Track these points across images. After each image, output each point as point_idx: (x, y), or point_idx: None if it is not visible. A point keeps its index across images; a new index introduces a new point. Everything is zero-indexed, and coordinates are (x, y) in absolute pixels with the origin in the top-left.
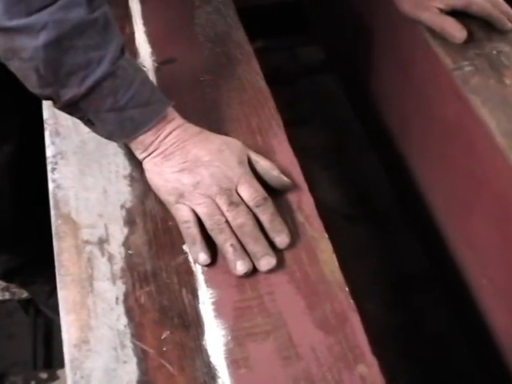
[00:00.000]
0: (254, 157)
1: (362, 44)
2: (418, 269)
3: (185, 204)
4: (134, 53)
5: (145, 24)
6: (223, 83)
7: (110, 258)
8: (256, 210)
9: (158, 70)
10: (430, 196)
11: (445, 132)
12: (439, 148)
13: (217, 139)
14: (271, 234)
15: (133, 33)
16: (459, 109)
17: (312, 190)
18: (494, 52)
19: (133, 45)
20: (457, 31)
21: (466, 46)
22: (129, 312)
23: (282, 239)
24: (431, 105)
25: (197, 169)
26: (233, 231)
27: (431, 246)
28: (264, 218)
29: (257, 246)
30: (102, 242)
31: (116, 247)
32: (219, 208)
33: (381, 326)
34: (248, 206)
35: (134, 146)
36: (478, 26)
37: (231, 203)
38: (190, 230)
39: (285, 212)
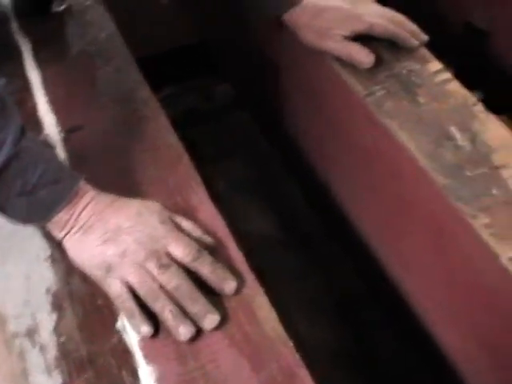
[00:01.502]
0: (175, 218)
1: (271, 79)
2: (358, 291)
3: (115, 277)
4: (39, 124)
5: (46, 93)
6: (135, 145)
7: (42, 349)
8: (193, 265)
9: (65, 140)
10: (361, 222)
11: (366, 159)
12: (363, 175)
13: (134, 203)
14: (217, 285)
15: (34, 104)
16: (377, 135)
17: (243, 221)
18: (404, 71)
19: (36, 116)
20: (364, 56)
21: (375, 69)
22: None
23: (229, 286)
24: (349, 133)
25: (120, 237)
26: (169, 295)
27: (369, 270)
28: (204, 271)
29: (196, 306)
30: (31, 333)
31: (47, 336)
32: (151, 273)
33: (328, 349)
34: (180, 265)
35: (50, 226)
36: (385, 47)
37: (161, 266)
38: (126, 304)
39: None
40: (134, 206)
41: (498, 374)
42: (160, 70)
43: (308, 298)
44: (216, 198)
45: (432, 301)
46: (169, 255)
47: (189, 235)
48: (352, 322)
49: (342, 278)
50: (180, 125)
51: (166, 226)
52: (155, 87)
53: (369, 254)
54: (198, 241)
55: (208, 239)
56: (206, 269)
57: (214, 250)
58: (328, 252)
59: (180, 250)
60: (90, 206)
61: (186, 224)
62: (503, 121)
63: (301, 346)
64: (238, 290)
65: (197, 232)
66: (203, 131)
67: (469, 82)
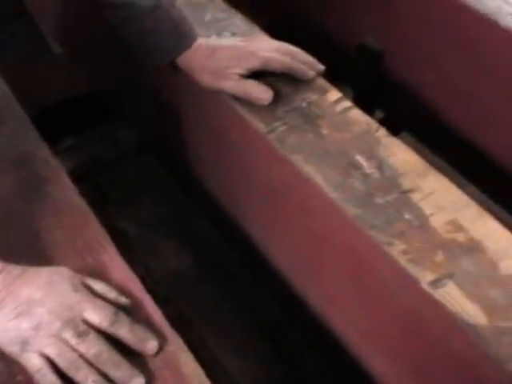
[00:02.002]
0: (87, 282)
1: (172, 123)
2: (284, 323)
3: (32, 351)
4: None
5: None
6: (39, 209)
7: None
8: (111, 330)
9: None
10: (279, 258)
11: (276, 196)
12: (275, 212)
13: (44, 272)
14: (137, 346)
15: None
16: (283, 171)
17: (160, 259)
18: (304, 104)
19: None
20: (261, 93)
21: (275, 105)
22: None
23: (150, 346)
24: (256, 171)
25: (33, 309)
26: (90, 363)
27: (292, 303)
28: (123, 334)
29: (120, 372)
30: None
31: None
32: (68, 343)
33: (257, 379)
34: (99, 331)
35: None
36: (283, 81)
37: (79, 334)
38: (46, 378)
39: None
40: (44, 275)
41: None
42: (60, 121)
43: (233, 333)
44: (130, 242)
45: (357, 330)
46: (86, 322)
47: (103, 298)
48: (280, 352)
49: (266, 311)
50: (87, 173)
51: (79, 291)
52: (57, 139)
53: (291, 287)
54: (113, 302)
55: (123, 299)
56: (125, 332)
57: (132, 310)
58: (249, 286)
59: (96, 316)
60: None
61: (100, 286)
62: (404, 138)
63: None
64: (161, 348)
65: (111, 293)
66: (111, 178)
67: (369, 103)
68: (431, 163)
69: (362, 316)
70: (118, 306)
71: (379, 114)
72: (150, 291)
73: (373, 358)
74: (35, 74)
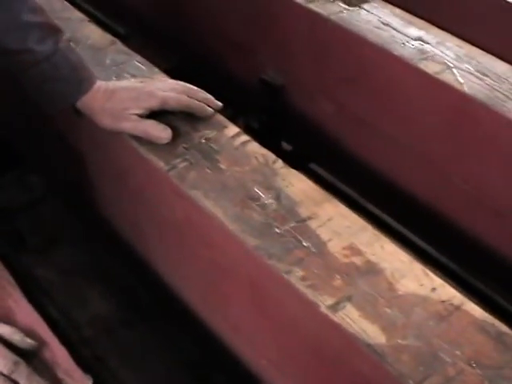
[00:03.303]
0: None
1: (77, 166)
2: (200, 359)
3: None
4: None
5: None
6: None
7: None
8: (12, 378)
9: None
10: (187, 292)
11: (179, 231)
12: (179, 247)
13: None
14: None
15: None
16: (185, 207)
17: (81, 307)
18: (203, 140)
19: None
20: (160, 132)
21: (174, 143)
22: None
23: None
24: (159, 209)
25: None
26: None
27: (205, 337)
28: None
29: None
30: None
31: None
32: None
33: None
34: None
35: None
36: (182, 119)
37: None
38: None
39: (43, 372)
40: None
41: None
42: None
43: (157, 373)
44: (49, 287)
45: (266, 358)
46: None
47: (7, 341)
48: None
49: (187, 350)
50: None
51: None
52: None
53: (202, 321)
54: (18, 346)
55: (28, 341)
56: (23, 382)
57: (37, 351)
58: (169, 326)
59: None
60: None
61: (5, 329)
62: (313, 169)
63: None
64: None
65: (16, 335)
66: (26, 221)
67: (274, 136)
68: (339, 192)
69: (268, 343)
70: (24, 348)
71: (287, 146)
72: (74, 344)
73: None
74: None
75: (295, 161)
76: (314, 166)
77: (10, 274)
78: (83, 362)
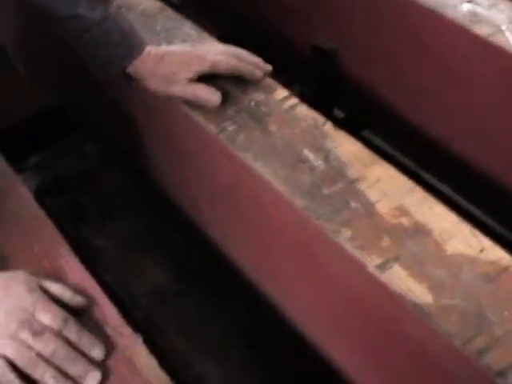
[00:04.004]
0: (44, 284)
1: (130, 132)
2: (254, 325)
3: None
4: None
5: None
6: None
7: None
8: (62, 334)
9: None
10: (238, 257)
11: (230, 194)
12: (231, 210)
13: (0, 276)
14: (85, 352)
15: None
16: (236, 169)
17: (138, 277)
18: (253, 103)
19: None
20: (211, 95)
21: (224, 106)
22: None
23: (95, 354)
24: (210, 172)
25: None
26: (48, 361)
27: (257, 303)
28: (72, 340)
29: (76, 367)
30: None
31: None
32: (25, 343)
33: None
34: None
35: None
36: (231, 83)
37: (35, 333)
38: (6, 377)
39: (92, 329)
40: (0, 279)
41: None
42: (23, 139)
43: (210, 342)
44: (105, 257)
45: (317, 320)
46: (41, 322)
47: (59, 299)
48: (259, 357)
49: (239, 316)
50: (55, 191)
51: (34, 294)
52: (23, 157)
53: (253, 286)
54: (69, 303)
55: (79, 299)
56: (72, 338)
57: (87, 309)
58: (222, 293)
59: (47, 320)
60: None
61: (55, 287)
62: (366, 136)
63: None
64: (116, 345)
65: (67, 293)
66: (83, 191)
67: (327, 104)
68: (392, 159)
69: (318, 305)
70: (74, 306)
71: (340, 113)
72: (128, 311)
73: (333, 347)
74: None
75: (348, 128)
76: (366, 133)
77: (68, 243)
78: (136, 325)
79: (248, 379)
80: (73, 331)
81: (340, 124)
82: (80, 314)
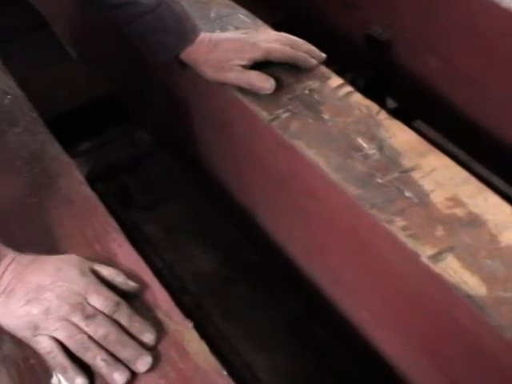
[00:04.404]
0: (96, 267)
1: (182, 119)
2: (301, 313)
3: (42, 334)
4: None
5: None
6: (49, 202)
7: None
8: (113, 318)
9: None
10: (289, 245)
11: (282, 182)
12: (282, 198)
13: (53, 260)
14: (136, 337)
15: None
16: (288, 157)
17: (185, 261)
18: (306, 91)
19: None
20: (264, 82)
21: (277, 94)
22: None
23: (147, 339)
24: (262, 159)
25: (42, 295)
26: (99, 344)
27: (306, 290)
28: (123, 324)
29: (127, 351)
30: None
31: None
32: (77, 326)
33: (289, 372)
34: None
35: None
36: (285, 70)
37: (87, 317)
38: (57, 359)
39: (143, 313)
40: (53, 262)
41: (441, 378)
42: (75, 126)
43: (258, 330)
44: (154, 243)
45: (366, 310)
46: (93, 306)
47: (110, 283)
48: (304, 346)
49: (288, 302)
50: (106, 177)
51: (86, 278)
52: (73, 143)
53: (303, 274)
54: (121, 287)
55: (130, 283)
56: (124, 322)
57: (139, 294)
58: (270, 281)
59: (98, 303)
60: (10, 269)
61: (108, 271)
62: (418, 125)
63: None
64: (167, 329)
65: (119, 277)
66: (133, 178)
67: (379, 93)
68: (444, 149)
69: (368, 295)
70: (126, 290)
71: (392, 103)
72: (177, 296)
73: (383, 338)
74: (52, 81)
75: (400, 118)
76: (419, 124)
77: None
78: (185, 310)
79: (295, 367)
80: (124, 315)
81: (392, 114)
82: (131, 298)
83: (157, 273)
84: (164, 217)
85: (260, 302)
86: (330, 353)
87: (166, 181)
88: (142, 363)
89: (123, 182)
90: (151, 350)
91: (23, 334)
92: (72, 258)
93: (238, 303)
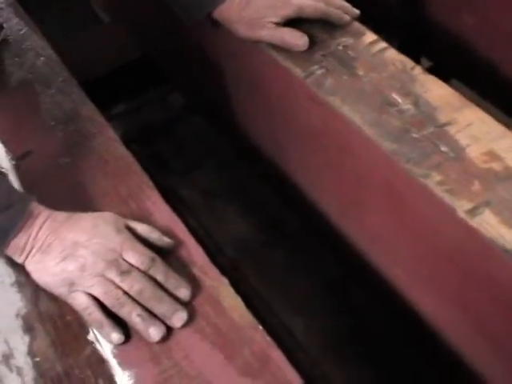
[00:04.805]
0: (131, 224)
1: (215, 79)
2: (339, 275)
3: (78, 291)
4: None
5: None
6: (83, 161)
7: (19, 372)
8: (148, 274)
9: (17, 167)
10: (325, 204)
11: (317, 139)
12: (317, 155)
13: (88, 217)
14: (171, 292)
15: None
16: (323, 114)
17: (221, 226)
18: (340, 48)
19: None
20: (298, 39)
21: (311, 50)
22: None
23: (182, 294)
24: (296, 117)
25: (78, 252)
26: (134, 300)
27: (343, 251)
28: (158, 279)
29: (163, 306)
30: (6, 358)
31: (22, 359)
32: (113, 282)
33: (327, 333)
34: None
35: (10, 251)
36: (319, 27)
37: (122, 273)
38: (93, 315)
39: (179, 269)
40: (88, 219)
41: (477, 334)
42: (108, 89)
43: (295, 290)
44: (190, 207)
45: (401, 267)
46: (128, 262)
47: (146, 239)
48: (341, 307)
49: (324, 265)
50: (140, 140)
51: (122, 234)
52: (106, 107)
53: (338, 234)
54: (156, 243)
55: (166, 239)
56: (159, 278)
57: (174, 250)
58: (307, 242)
59: (134, 259)
60: (45, 226)
61: (143, 228)
62: (454, 85)
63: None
64: (202, 284)
65: (154, 234)
66: (166, 142)
67: (414, 52)
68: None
69: (403, 251)
70: (161, 246)
71: (426, 63)
72: (212, 257)
73: (418, 295)
74: (86, 44)
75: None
76: (455, 83)
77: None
78: (220, 271)
79: (332, 329)
80: (160, 271)
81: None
82: (167, 255)
83: (192, 235)
84: (199, 181)
85: (297, 265)
86: (367, 313)
87: (200, 145)
88: (178, 318)
89: (158, 147)
90: (186, 305)
91: (59, 290)
92: (107, 215)
93: (275, 267)
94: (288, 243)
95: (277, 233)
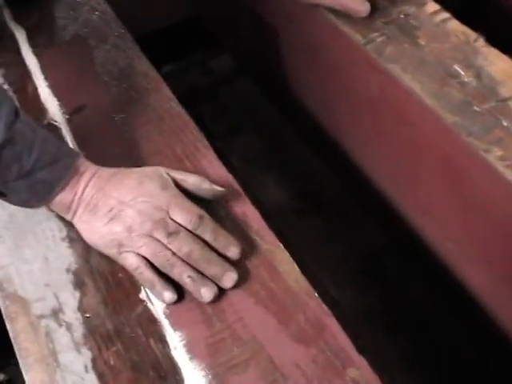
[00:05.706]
0: (180, 176)
1: (269, 42)
2: (380, 246)
3: (128, 251)
4: (42, 110)
5: (46, 78)
6: (138, 118)
7: (69, 327)
8: (196, 233)
9: (69, 122)
10: (376, 173)
11: (373, 107)
12: (372, 124)
13: (133, 174)
14: (220, 251)
15: (36, 89)
16: (381, 81)
17: (259, 192)
18: (402, 16)
19: (39, 102)
20: (359, 5)
21: (372, 17)
22: (101, 377)
23: (231, 253)
24: (353, 84)
25: (124, 212)
26: (184, 261)
27: (389, 222)
28: (207, 238)
29: (213, 268)
30: (56, 313)
31: (72, 314)
32: (161, 242)
33: (361, 308)
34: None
35: (57, 208)
36: None
37: (169, 234)
38: (144, 275)
39: (234, 230)
40: (133, 176)
41: None
42: (156, 48)
43: (332, 260)
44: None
45: (453, 240)
46: (175, 221)
47: (196, 192)
48: (379, 278)
49: (365, 236)
50: (184, 102)
51: (168, 191)
52: (157, 65)
53: (387, 205)
54: (207, 194)
55: (218, 188)
56: (208, 236)
57: (230, 212)
58: (348, 212)
59: (181, 217)
60: (91, 184)
61: (194, 179)
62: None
63: (331, 306)
64: (257, 247)
65: (205, 184)
66: (208, 106)
67: (470, 23)
68: None
69: (457, 225)
70: (214, 195)
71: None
72: None
73: (468, 269)
74: (134, 2)
75: None
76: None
77: None
78: None
79: (362, 304)
80: (208, 230)
81: None
82: (223, 217)
83: None
84: (240, 146)
85: (333, 236)
86: (405, 285)
87: (241, 111)
88: (228, 279)
89: (200, 110)
90: (238, 263)
91: (109, 251)
92: (154, 170)
93: (310, 236)
94: (329, 213)
95: (318, 202)
